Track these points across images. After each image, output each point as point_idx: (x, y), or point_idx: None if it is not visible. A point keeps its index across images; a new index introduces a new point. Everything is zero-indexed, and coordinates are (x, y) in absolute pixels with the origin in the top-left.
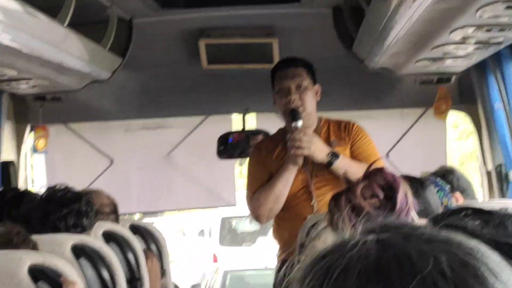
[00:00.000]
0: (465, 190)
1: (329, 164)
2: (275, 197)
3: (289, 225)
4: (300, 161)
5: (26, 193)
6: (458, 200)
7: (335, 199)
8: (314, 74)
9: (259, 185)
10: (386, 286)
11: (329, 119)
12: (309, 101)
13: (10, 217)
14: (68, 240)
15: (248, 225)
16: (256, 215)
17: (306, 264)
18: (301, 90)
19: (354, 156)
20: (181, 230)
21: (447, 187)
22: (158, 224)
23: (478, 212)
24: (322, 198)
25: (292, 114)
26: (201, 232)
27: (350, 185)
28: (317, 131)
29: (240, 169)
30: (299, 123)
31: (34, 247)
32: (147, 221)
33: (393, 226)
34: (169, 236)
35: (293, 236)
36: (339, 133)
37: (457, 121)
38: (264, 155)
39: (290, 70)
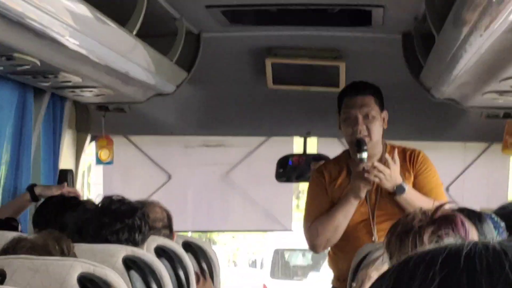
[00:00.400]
0: None
1: (395, 193)
2: (334, 228)
3: (347, 256)
4: (363, 194)
5: (82, 201)
6: None
7: (398, 234)
8: (382, 100)
9: (319, 212)
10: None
11: (395, 147)
12: (376, 130)
13: (62, 225)
14: (120, 251)
15: (301, 259)
16: (312, 244)
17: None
18: (368, 119)
19: (417, 187)
20: (233, 260)
21: (502, 224)
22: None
23: None
24: (383, 233)
25: (357, 145)
26: (253, 263)
27: (412, 222)
28: (382, 159)
29: (297, 202)
30: (364, 154)
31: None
32: None
33: None
34: (221, 266)
35: (349, 267)
36: (404, 163)
37: None
38: (327, 181)
39: (358, 98)
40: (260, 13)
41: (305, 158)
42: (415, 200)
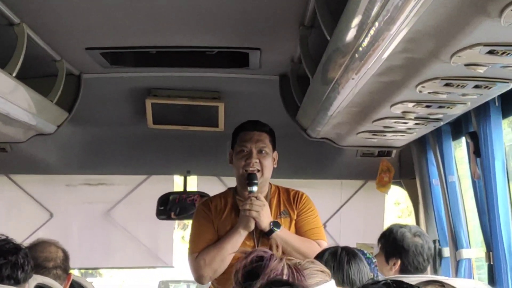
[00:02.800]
0: None
1: (269, 232)
2: (221, 259)
3: None
4: (252, 226)
5: None
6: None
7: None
8: (275, 141)
9: (205, 244)
10: None
11: (279, 187)
12: (268, 167)
13: None
14: None
15: None
16: (199, 275)
17: None
18: (262, 155)
19: (298, 226)
20: None
21: (374, 260)
22: (98, 285)
23: (398, 284)
24: None
25: (249, 178)
26: None
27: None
28: (267, 197)
29: (182, 233)
30: (254, 188)
31: None
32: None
33: None
34: None
35: None
36: (289, 203)
37: (399, 198)
38: (213, 214)
39: (255, 133)
40: (140, 54)
41: (185, 196)
42: (290, 239)
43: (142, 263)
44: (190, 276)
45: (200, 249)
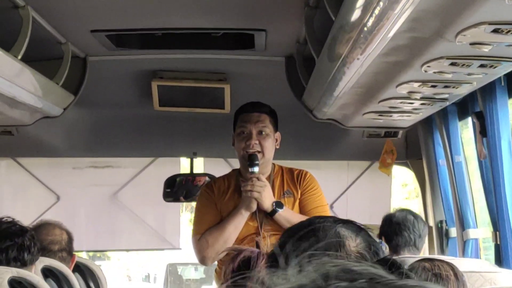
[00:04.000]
0: None
1: (272, 212)
2: (224, 240)
3: None
4: (254, 206)
5: None
6: None
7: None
8: (277, 122)
9: (208, 226)
10: None
11: (282, 167)
12: (268, 148)
13: None
14: (6, 273)
15: (193, 273)
16: (202, 257)
17: None
18: (262, 136)
19: (302, 205)
20: (127, 275)
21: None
22: (105, 268)
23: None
24: (270, 248)
25: (250, 159)
26: (146, 278)
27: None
28: (270, 178)
29: (190, 216)
30: (256, 169)
31: None
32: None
33: (358, 272)
34: (115, 281)
35: None
36: (293, 183)
37: (406, 180)
38: (216, 196)
39: (254, 114)
40: (146, 36)
41: (192, 178)
42: (293, 219)
43: (149, 245)
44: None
45: (202, 231)
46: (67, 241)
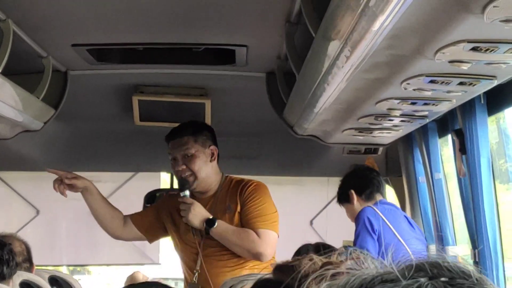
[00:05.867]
0: None
1: (206, 231)
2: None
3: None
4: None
5: None
6: None
7: None
8: (211, 137)
9: (137, 216)
10: None
11: (233, 179)
12: (199, 167)
13: None
14: None
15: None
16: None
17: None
18: (187, 159)
19: (242, 216)
20: None
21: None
22: (86, 282)
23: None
24: (207, 258)
25: (180, 184)
26: None
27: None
28: (216, 194)
29: None
30: (187, 192)
31: None
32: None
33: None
34: None
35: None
36: (234, 195)
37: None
38: (166, 208)
39: (176, 140)
40: (127, 51)
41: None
42: (226, 234)
43: (129, 260)
44: (178, 274)
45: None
46: (27, 251)
